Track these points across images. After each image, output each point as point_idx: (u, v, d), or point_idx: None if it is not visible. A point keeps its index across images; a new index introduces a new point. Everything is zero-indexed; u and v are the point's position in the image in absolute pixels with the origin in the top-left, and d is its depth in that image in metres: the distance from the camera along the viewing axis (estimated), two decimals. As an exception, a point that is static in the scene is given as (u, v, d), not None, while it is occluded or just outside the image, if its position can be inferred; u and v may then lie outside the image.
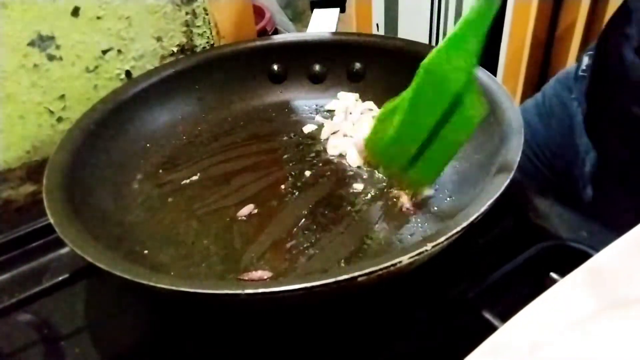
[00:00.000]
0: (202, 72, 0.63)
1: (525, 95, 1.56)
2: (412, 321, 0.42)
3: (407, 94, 0.42)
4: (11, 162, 0.58)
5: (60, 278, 0.45)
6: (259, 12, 0.96)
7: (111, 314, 0.47)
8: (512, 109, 0.48)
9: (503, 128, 0.47)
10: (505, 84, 0.69)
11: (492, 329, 0.37)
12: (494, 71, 1.56)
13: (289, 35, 0.71)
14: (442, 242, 0.36)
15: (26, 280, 0.50)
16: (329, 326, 0.43)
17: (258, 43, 0.66)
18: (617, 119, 0.63)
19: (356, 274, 0.34)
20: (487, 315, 0.40)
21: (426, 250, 0.35)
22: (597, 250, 0.35)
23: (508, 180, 0.40)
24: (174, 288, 0.34)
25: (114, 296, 0.47)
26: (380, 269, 0.34)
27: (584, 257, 0.35)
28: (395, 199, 0.52)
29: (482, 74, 0.54)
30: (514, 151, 0.44)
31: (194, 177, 0.56)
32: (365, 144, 0.51)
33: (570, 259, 0.44)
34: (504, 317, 0.33)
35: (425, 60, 0.41)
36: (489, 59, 1.55)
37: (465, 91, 0.39)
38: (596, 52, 0.67)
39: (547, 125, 0.77)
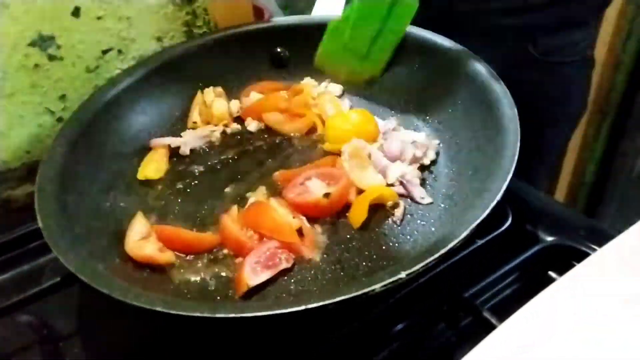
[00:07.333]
0: (201, 60, 0.63)
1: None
2: (412, 321, 0.42)
3: (352, 6, 0.54)
4: (11, 162, 0.58)
5: (59, 278, 0.45)
6: (258, 13, 0.96)
7: (110, 314, 0.47)
8: (512, 109, 0.48)
9: (501, 128, 0.47)
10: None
11: (492, 329, 0.37)
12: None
13: (291, 17, 0.69)
14: (418, 269, 0.36)
15: (25, 280, 0.50)
16: (328, 325, 0.43)
17: (260, 26, 0.66)
18: None
19: (351, 295, 0.35)
20: (487, 315, 0.40)
21: (400, 279, 0.36)
22: (596, 250, 0.35)
23: (504, 188, 0.41)
24: (168, 311, 0.34)
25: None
26: (368, 291, 0.35)
27: (583, 257, 0.35)
28: (394, 207, 0.51)
29: (482, 72, 0.54)
30: (512, 150, 0.44)
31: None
32: (319, 57, 0.59)
33: (569, 259, 0.44)
34: (504, 317, 0.33)
35: None
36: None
37: None
38: None
39: None
